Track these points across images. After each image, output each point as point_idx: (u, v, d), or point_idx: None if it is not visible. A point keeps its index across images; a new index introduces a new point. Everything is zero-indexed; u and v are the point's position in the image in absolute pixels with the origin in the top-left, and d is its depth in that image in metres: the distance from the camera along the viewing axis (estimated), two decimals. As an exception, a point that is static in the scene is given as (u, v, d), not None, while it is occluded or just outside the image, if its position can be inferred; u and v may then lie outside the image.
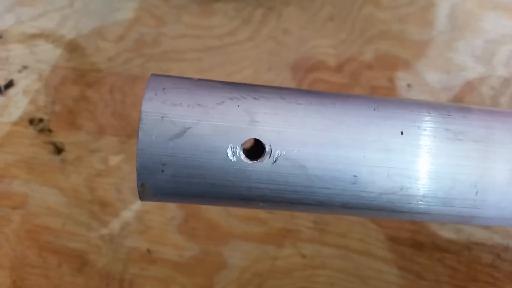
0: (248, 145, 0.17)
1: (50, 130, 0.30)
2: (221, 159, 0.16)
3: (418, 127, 0.17)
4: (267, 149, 0.16)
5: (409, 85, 0.29)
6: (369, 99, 0.18)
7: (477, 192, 0.17)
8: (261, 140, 0.16)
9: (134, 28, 0.32)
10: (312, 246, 0.25)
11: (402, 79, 0.30)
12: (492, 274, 0.25)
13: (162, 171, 0.16)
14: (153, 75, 0.18)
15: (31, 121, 0.31)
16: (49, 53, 0.33)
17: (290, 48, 0.31)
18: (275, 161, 0.16)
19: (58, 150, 0.29)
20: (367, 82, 0.30)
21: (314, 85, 0.30)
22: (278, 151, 0.16)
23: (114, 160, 0.28)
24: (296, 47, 0.31)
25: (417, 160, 0.16)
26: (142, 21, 0.33)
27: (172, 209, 0.26)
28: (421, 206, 0.17)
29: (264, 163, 0.16)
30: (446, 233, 0.26)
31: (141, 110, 0.16)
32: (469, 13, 0.31)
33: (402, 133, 0.17)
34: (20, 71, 0.32)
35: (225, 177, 0.16)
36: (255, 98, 0.17)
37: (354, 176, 0.16)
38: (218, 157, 0.16)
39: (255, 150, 0.16)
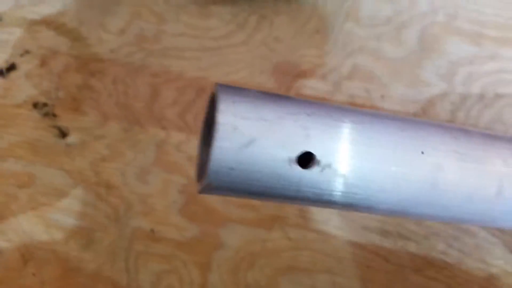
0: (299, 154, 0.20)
1: (54, 115, 0.33)
2: (278, 166, 0.19)
3: (435, 148, 0.21)
4: (316, 160, 0.19)
5: (382, 96, 0.35)
6: (397, 120, 0.21)
7: (472, 202, 0.22)
8: (312, 152, 0.19)
9: (135, 22, 0.35)
10: (298, 231, 0.29)
11: (376, 90, 0.35)
12: (445, 260, 0.30)
13: (229, 174, 0.18)
14: (220, 86, 0.20)
15: (35, 105, 0.33)
16: (51, 39, 0.35)
17: (280, 54, 0.35)
18: (321, 170, 0.19)
19: (63, 134, 0.32)
20: (346, 91, 0.35)
21: (301, 90, 0.34)
22: (325, 162, 0.19)
23: (118, 147, 0.31)
24: (286, 54, 0.36)
25: (433, 176, 0.21)
26: (143, 16, 0.36)
27: (173, 194, 0.30)
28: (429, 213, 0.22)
29: (312, 171, 0.19)
30: (408, 224, 0.31)
31: (217, 121, 0.18)
32: (436, 37, 0.37)
33: (422, 152, 0.21)
34: (22, 55, 0.34)
35: (278, 181, 0.19)
36: (308, 115, 0.20)
37: (381, 186, 0.21)
38: (276, 165, 0.19)
39: (305, 158, 0.19)
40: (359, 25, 0.36)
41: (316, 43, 0.36)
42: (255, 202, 0.30)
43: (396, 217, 0.22)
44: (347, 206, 0.20)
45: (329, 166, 0.19)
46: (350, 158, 0.19)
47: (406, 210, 0.21)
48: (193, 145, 0.31)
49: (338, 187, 0.20)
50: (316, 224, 0.30)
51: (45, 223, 0.30)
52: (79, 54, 0.34)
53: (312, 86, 0.34)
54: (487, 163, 0.22)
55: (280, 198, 0.20)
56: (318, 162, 0.19)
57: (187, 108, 0.33)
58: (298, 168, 0.19)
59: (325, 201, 0.20)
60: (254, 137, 0.18)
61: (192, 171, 0.31)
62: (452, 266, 0.30)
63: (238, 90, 0.20)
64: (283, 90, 0.34)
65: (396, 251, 0.30)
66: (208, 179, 0.19)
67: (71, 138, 0.31)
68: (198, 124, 0.32)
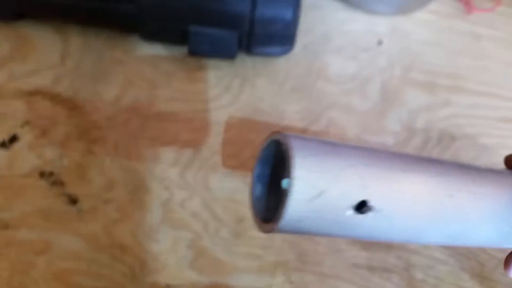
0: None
1: (62, 183, 0.35)
2: (339, 214, 0.21)
3: (459, 190, 0.24)
4: (370, 206, 0.21)
5: (358, 140, 0.40)
6: (431, 166, 0.24)
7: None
8: (368, 200, 0.21)
9: (128, 90, 0.39)
10: (298, 274, 0.34)
11: (350, 139, 0.40)
12: (424, 287, 0.36)
13: (298, 223, 0.20)
14: (292, 138, 0.21)
15: (42, 174, 0.36)
16: (49, 109, 0.38)
17: (265, 112, 0.40)
18: (374, 215, 0.21)
19: (73, 200, 0.35)
20: (325, 142, 0.40)
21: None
22: (377, 208, 0.21)
23: (126, 209, 0.34)
24: (269, 112, 0.40)
25: (460, 217, 0.24)
26: (135, 84, 0.39)
27: (183, 249, 0.34)
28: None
29: (366, 215, 0.21)
30: (390, 259, 0.36)
31: (293, 176, 0.19)
32: (395, 89, 0.43)
33: (451, 196, 0.24)
34: (22, 126, 0.37)
35: (338, 227, 0.21)
36: (364, 166, 0.22)
37: (418, 232, 0.24)
38: (337, 213, 0.21)
39: (360, 205, 0.21)
40: (329, 83, 0.42)
41: (294, 101, 0.41)
42: (257, 251, 0.34)
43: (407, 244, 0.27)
44: (389, 242, 0.24)
45: (380, 212, 0.21)
46: (399, 206, 0.22)
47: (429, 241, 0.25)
48: (195, 202, 0.35)
49: (385, 230, 0.22)
50: (312, 266, 0.34)
51: (66, 286, 0.33)
52: (78, 122, 0.37)
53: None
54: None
55: (336, 236, 0.23)
56: (371, 208, 0.21)
57: (186, 167, 0.36)
58: (356, 215, 0.21)
59: (371, 238, 0.23)
60: (323, 190, 0.20)
61: (196, 226, 0.34)
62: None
63: (306, 143, 0.21)
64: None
65: (382, 283, 0.35)
66: (279, 227, 0.20)
67: (81, 204, 0.34)
68: (198, 181, 0.36)
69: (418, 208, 0.23)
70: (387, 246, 0.35)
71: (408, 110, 0.42)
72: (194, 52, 0.39)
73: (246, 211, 0.34)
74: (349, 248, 0.34)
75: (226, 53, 0.40)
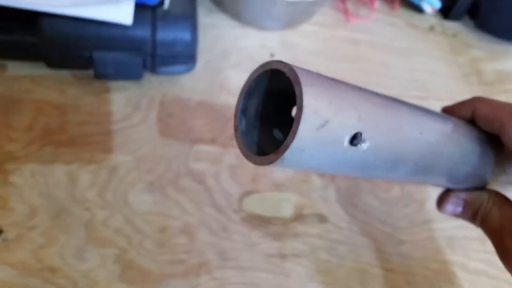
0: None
1: (-20, 216, 0.36)
2: (337, 146, 0.21)
3: (432, 127, 0.26)
4: (362, 138, 0.22)
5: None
6: (405, 107, 0.26)
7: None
8: (362, 133, 0.22)
9: (39, 118, 0.40)
10: (220, 271, 0.38)
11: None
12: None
13: (300, 154, 0.20)
14: (298, 69, 0.20)
15: (-42, 210, 0.36)
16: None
17: (174, 127, 0.44)
18: (364, 147, 0.22)
19: (-4, 232, 0.36)
20: (233, 150, 0.44)
21: (198, 155, 0.43)
22: (368, 141, 0.22)
23: (51, 233, 0.36)
24: (178, 127, 0.44)
25: (430, 153, 0.26)
26: (46, 111, 0.41)
27: (110, 265, 0.36)
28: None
29: (358, 148, 0.22)
30: (298, 245, 0.42)
31: (303, 104, 0.19)
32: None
33: (421, 133, 0.25)
34: None
35: (336, 160, 0.22)
36: (361, 99, 0.22)
37: (395, 166, 0.25)
38: (337, 145, 0.21)
39: (354, 137, 0.22)
40: (231, 95, 0.47)
41: (201, 114, 0.45)
42: (182, 256, 0.38)
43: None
44: (372, 174, 0.25)
45: (370, 143, 0.22)
46: (384, 136, 0.23)
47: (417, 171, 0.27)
48: (117, 219, 0.38)
49: (376, 161, 0.24)
50: (232, 261, 0.39)
51: (-5, 316, 0.34)
52: (-10, 155, 0.38)
53: (206, 150, 0.43)
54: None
55: (328, 171, 0.23)
56: (363, 140, 0.22)
57: (104, 187, 0.39)
58: (350, 147, 0.22)
59: (366, 170, 0.24)
60: (327, 120, 0.20)
61: (121, 242, 0.37)
62: None
63: (309, 73, 0.21)
64: (184, 156, 0.42)
65: (294, 267, 0.41)
66: (282, 160, 0.20)
67: (6, 234, 0.35)
68: (117, 199, 0.39)
69: (401, 143, 0.24)
70: (295, 235, 0.40)
71: (302, 114, 0.47)
72: (101, 76, 0.42)
73: (166, 221, 0.38)
74: (262, 241, 0.39)
75: (131, 75, 0.43)
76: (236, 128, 0.24)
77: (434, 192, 0.40)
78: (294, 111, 0.22)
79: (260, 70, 0.23)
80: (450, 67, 0.60)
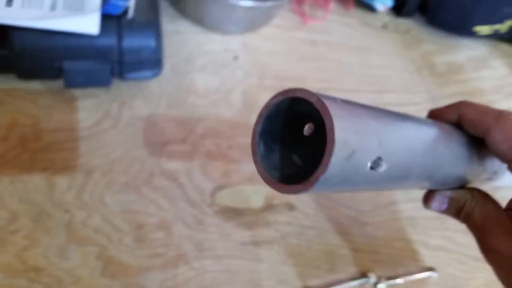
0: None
1: (-38, 224, 0.38)
2: (361, 173, 0.22)
3: (437, 139, 0.28)
4: (382, 162, 0.23)
5: (229, 147, 0.48)
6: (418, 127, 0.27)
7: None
8: (381, 157, 0.23)
9: (14, 128, 0.42)
10: (198, 261, 0.41)
11: (224, 143, 0.48)
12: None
13: (329, 183, 0.21)
14: (326, 100, 0.21)
15: None
16: None
17: (145, 130, 0.46)
18: (384, 169, 0.23)
19: (-22, 238, 0.37)
20: (203, 148, 0.47)
21: (170, 155, 0.45)
22: (386, 163, 0.23)
23: (34, 235, 0.38)
24: (149, 129, 0.46)
25: (436, 161, 0.28)
26: (20, 121, 0.43)
27: (92, 261, 0.39)
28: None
29: (377, 170, 0.23)
30: (270, 232, 0.45)
31: (335, 139, 0.20)
32: (254, 95, 0.51)
33: (433, 145, 0.28)
34: None
35: (360, 183, 0.23)
36: (380, 124, 0.23)
37: (407, 180, 0.27)
38: (360, 171, 0.22)
39: (374, 162, 0.23)
40: (198, 97, 0.49)
41: (171, 117, 0.47)
42: (160, 250, 0.40)
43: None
44: (395, 188, 0.28)
45: (387, 165, 0.23)
46: (395, 154, 0.24)
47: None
48: (96, 219, 0.40)
49: (392, 180, 0.25)
50: (208, 252, 0.41)
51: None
52: (-33, 165, 0.40)
53: (177, 149, 0.46)
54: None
55: (348, 191, 0.24)
56: (381, 163, 0.23)
57: (81, 189, 0.41)
58: (371, 171, 0.23)
59: (378, 187, 0.25)
60: (354, 150, 0.21)
61: (101, 240, 0.39)
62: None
63: (335, 102, 0.21)
64: (156, 157, 0.45)
65: (266, 253, 0.44)
66: (310, 189, 0.20)
67: (-11, 239, 0.37)
68: (95, 200, 0.41)
69: (410, 161, 0.26)
70: (266, 223, 0.43)
71: (267, 111, 0.51)
72: (71, 85, 0.44)
73: (143, 218, 0.40)
74: (236, 231, 0.41)
75: (101, 82, 0.45)
76: (254, 153, 0.24)
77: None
78: (306, 129, 0.24)
79: (282, 96, 0.23)
80: (403, 61, 0.64)
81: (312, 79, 0.56)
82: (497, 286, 0.48)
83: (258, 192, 0.45)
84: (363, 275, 0.43)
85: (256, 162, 0.24)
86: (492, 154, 0.32)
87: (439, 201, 0.34)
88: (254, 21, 0.57)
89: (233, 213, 0.43)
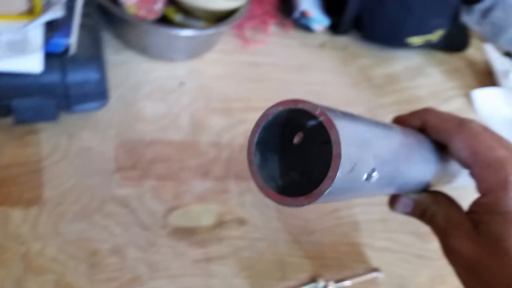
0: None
1: None
2: (359, 185, 0.23)
3: (410, 144, 0.30)
4: (374, 172, 0.23)
5: (180, 169, 0.50)
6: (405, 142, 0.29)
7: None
8: (375, 168, 0.23)
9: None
10: (152, 282, 0.43)
11: (174, 166, 0.50)
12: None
13: (330, 196, 0.21)
14: (330, 112, 0.21)
15: None
16: None
17: (95, 160, 0.48)
18: (377, 179, 0.24)
19: None
20: (154, 172, 0.49)
21: (120, 181, 0.47)
22: (378, 174, 0.24)
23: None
24: (99, 159, 0.48)
25: (411, 166, 0.29)
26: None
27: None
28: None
29: (371, 180, 0.24)
30: (222, 248, 0.47)
31: (342, 153, 0.20)
32: (201, 118, 0.54)
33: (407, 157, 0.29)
34: None
35: (357, 193, 0.24)
36: (373, 137, 0.24)
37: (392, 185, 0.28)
38: (358, 184, 0.23)
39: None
40: (146, 123, 0.52)
41: (119, 145, 0.49)
42: (115, 274, 0.42)
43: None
44: (387, 192, 0.30)
45: (379, 174, 0.24)
46: (385, 165, 0.25)
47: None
48: (51, 249, 0.41)
49: (381, 187, 0.26)
50: (162, 272, 0.43)
51: None
52: None
53: (127, 176, 0.48)
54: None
55: (341, 201, 0.25)
56: (374, 174, 0.24)
57: (35, 221, 0.42)
58: (366, 182, 0.23)
59: (366, 194, 0.26)
60: (356, 163, 0.21)
61: (57, 268, 0.41)
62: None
63: (338, 115, 0.22)
64: (107, 184, 0.46)
65: (220, 268, 0.46)
66: (314, 202, 0.21)
67: None
68: (49, 230, 0.42)
69: (395, 170, 0.27)
70: (218, 240, 0.45)
71: (214, 133, 0.53)
72: (20, 121, 0.45)
73: (97, 245, 0.42)
74: (188, 249, 0.43)
75: (49, 117, 0.47)
76: (251, 163, 0.24)
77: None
78: (296, 138, 0.25)
79: (283, 107, 0.23)
80: (342, 76, 0.69)
81: (256, 99, 0.59)
82: (439, 281, 0.51)
83: (209, 210, 0.47)
84: (313, 280, 0.46)
85: (253, 173, 0.24)
86: (453, 159, 0.33)
87: (404, 204, 0.35)
88: (197, 48, 0.59)
89: (186, 233, 0.45)
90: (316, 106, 0.21)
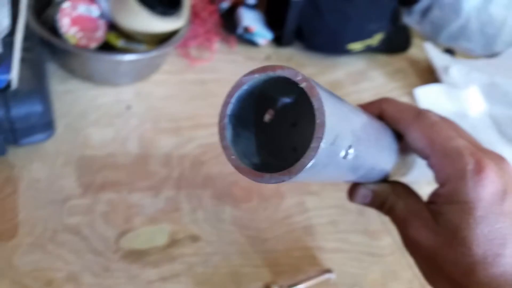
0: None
1: None
2: (338, 159, 0.22)
3: (379, 128, 0.30)
4: (351, 149, 0.23)
5: (129, 192, 0.51)
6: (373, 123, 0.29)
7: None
8: (352, 145, 0.23)
9: None
10: None
11: (123, 191, 0.51)
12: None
13: (311, 170, 0.20)
14: (313, 83, 0.20)
15: None
16: None
17: (45, 191, 0.49)
18: (353, 155, 0.23)
19: None
20: (103, 198, 0.50)
21: (71, 210, 0.48)
22: (354, 151, 0.23)
23: None
24: (49, 189, 0.49)
25: (380, 150, 0.29)
26: None
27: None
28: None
29: (347, 157, 0.23)
30: (175, 266, 0.48)
31: (325, 124, 0.19)
32: (150, 139, 0.55)
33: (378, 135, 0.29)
34: None
35: (332, 167, 0.22)
36: (351, 112, 0.24)
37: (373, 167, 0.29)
38: (336, 156, 0.22)
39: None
40: (95, 150, 0.52)
41: (68, 173, 0.50)
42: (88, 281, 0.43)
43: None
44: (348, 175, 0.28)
45: (355, 152, 0.24)
46: (360, 143, 0.25)
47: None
48: (5, 282, 0.42)
49: (358, 164, 0.26)
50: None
51: None
52: None
53: (77, 204, 0.48)
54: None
55: (319, 181, 0.26)
56: (351, 152, 0.23)
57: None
58: (343, 160, 0.23)
59: (341, 175, 0.26)
60: (337, 135, 0.20)
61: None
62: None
63: (318, 85, 0.20)
64: (58, 214, 0.47)
65: (175, 286, 0.47)
66: (294, 177, 0.19)
67: None
68: (2, 264, 0.43)
69: (367, 151, 0.27)
70: (171, 258, 0.46)
71: (163, 153, 0.54)
72: (-34, 159, 0.46)
73: (51, 274, 0.42)
74: (142, 271, 0.44)
75: (-4, 151, 0.48)
76: (222, 137, 0.22)
77: (288, 194, 0.49)
78: (267, 116, 0.23)
79: (259, 73, 0.21)
80: (288, 86, 0.71)
81: (205, 116, 0.60)
82: (391, 277, 0.54)
83: (161, 230, 0.48)
84: (267, 287, 0.47)
85: (225, 148, 0.22)
86: (410, 150, 0.34)
87: (363, 194, 0.35)
88: (142, 71, 0.61)
89: (138, 255, 0.46)
90: (296, 72, 0.20)
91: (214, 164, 0.55)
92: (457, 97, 0.80)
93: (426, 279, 0.34)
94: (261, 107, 0.24)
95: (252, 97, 0.23)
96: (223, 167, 0.55)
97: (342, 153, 0.22)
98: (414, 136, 0.32)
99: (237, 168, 0.21)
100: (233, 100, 0.22)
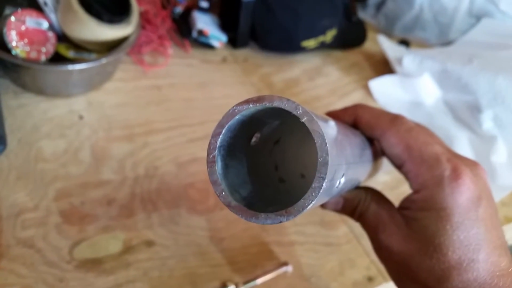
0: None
1: None
2: (332, 188, 0.21)
3: (360, 143, 0.29)
4: (342, 180, 0.22)
5: (82, 203, 0.50)
6: (356, 141, 0.28)
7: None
8: (344, 174, 0.22)
9: None
10: None
11: (75, 198, 0.50)
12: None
13: (314, 205, 0.19)
14: (313, 114, 0.19)
15: None
16: None
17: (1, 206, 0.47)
18: (344, 182, 0.23)
19: None
20: (57, 209, 0.48)
21: (24, 224, 0.46)
22: (344, 180, 0.23)
23: None
24: (3, 205, 0.47)
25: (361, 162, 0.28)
26: None
27: None
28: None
29: (339, 186, 0.22)
30: (130, 272, 0.47)
31: (330, 162, 0.18)
32: (103, 148, 0.54)
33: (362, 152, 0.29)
34: None
35: (325, 196, 0.21)
36: (347, 144, 0.23)
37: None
38: (332, 187, 0.21)
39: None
40: (47, 163, 0.51)
41: (21, 187, 0.48)
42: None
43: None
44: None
45: (344, 179, 0.23)
46: (350, 169, 0.24)
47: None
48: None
49: (342, 187, 0.25)
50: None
51: None
52: None
53: (30, 217, 0.47)
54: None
55: (323, 199, 0.23)
56: (343, 179, 0.22)
57: None
58: (336, 188, 0.22)
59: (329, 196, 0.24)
60: (335, 170, 0.20)
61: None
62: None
63: (320, 119, 0.20)
64: (10, 229, 0.45)
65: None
66: (293, 217, 0.18)
67: None
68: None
69: (354, 173, 0.26)
70: (126, 265, 0.45)
71: (116, 161, 0.53)
72: None
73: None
74: (97, 279, 0.43)
75: None
76: (213, 172, 0.20)
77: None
78: (254, 139, 0.22)
79: (253, 104, 0.19)
80: (245, 87, 0.70)
81: (159, 121, 0.59)
82: (348, 265, 0.53)
83: (115, 237, 0.47)
84: (223, 286, 0.47)
85: (214, 184, 0.19)
86: (382, 155, 0.33)
87: (334, 201, 0.34)
88: (93, 80, 0.59)
89: (93, 264, 0.45)
90: (296, 105, 0.19)
91: (169, 168, 0.54)
92: (412, 86, 0.80)
93: (397, 285, 0.33)
94: (248, 132, 0.23)
95: (242, 124, 0.21)
96: (178, 170, 0.54)
97: (337, 184, 0.21)
98: (391, 141, 0.31)
99: (228, 206, 0.19)
100: (224, 130, 0.20)
